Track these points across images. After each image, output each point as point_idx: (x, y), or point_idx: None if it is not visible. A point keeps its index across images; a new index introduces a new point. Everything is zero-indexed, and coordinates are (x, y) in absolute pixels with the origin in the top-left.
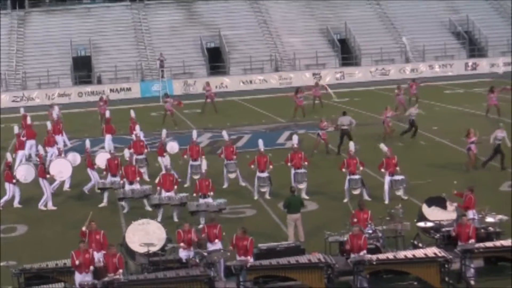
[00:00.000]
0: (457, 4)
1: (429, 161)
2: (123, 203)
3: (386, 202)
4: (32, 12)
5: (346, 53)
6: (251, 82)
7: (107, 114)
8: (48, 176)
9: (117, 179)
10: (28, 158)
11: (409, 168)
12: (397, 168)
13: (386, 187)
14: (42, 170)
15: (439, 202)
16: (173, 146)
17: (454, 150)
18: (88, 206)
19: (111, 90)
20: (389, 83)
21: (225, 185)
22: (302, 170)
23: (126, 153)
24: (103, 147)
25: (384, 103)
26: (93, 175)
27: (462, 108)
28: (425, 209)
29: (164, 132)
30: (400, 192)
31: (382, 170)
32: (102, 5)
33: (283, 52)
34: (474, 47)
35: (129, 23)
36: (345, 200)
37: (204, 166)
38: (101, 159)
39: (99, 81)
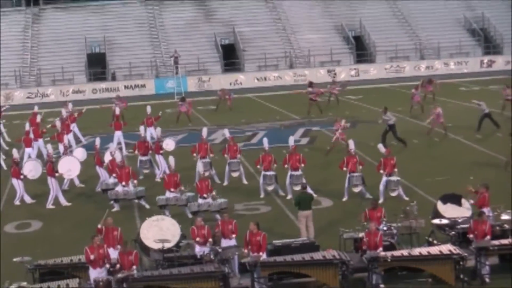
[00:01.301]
0: (472, 1)
1: (443, 158)
2: (115, 204)
3: (381, 201)
4: (46, 9)
5: (361, 50)
6: (265, 79)
7: (117, 111)
8: (57, 174)
9: (129, 188)
10: (38, 157)
11: (423, 165)
12: (395, 170)
13: (381, 187)
14: (51, 168)
15: (454, 199)
16: (168, 144)
17: (469, 147)
18: (103, 201)
19: (126, 87)
20: (403, 80)
21: (226, 183)
22: (299, 172)
23: (118, 156)
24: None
25: (398, 100)
26: (102, 173)
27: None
28: (440, 206)
29: (158, 130)
30: (394, 193)
31: (381, 171)
32: (117, 1)
33: (298, 49)
34: (489, 45)
35: (143, 19)
36: (344, 199)
37: (200, 168)
38: (110, 157)
39: (114, 78)
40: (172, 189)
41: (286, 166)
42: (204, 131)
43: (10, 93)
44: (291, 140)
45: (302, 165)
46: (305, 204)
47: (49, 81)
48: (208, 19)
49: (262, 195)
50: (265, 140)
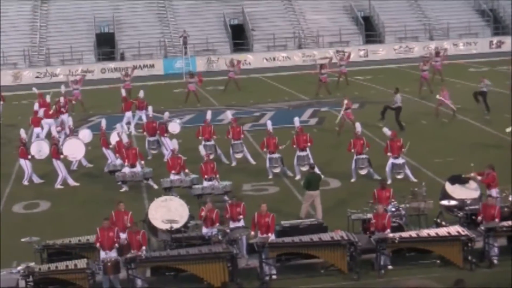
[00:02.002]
0: None
1: (452, 139)
2: (124, 186)
3: (389, 182)
4: None
5: (370, 31)
6: (274, 59)
7: (123, 92)
8: (62, 156)
9: (136, 169)
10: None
11: (432, 146)
12: (403, 150)
13: (387, 169)
14: (55, 151)
15: (462, 180)
16: (174, 127)
17: (477, 128)
18: (111, 182)
19: (134, 67)
20: (413, 61)
21: (234, 164)
22: (305, 153)
23: (124, 137)
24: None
25: (407, 81)
26: (109, 154)
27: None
28: (449, 187)
29: (166, 114)
30: (400, 176)
31: (389, 154)
32: None
33: (307, 29)
34: (498, 25)
35: None
36: (352, 180)
37: (202, 151)
38: (116, 138)
39: (122, 58)
40: (173, 171)
41: (294, 146)
42: (208, 114)
43: (19, 72)
44: (297, 121)
45: (309, 144)
46: (314, 185)
47: (58, 60)
48: None
49: (270, 176)
50: (269, 123)
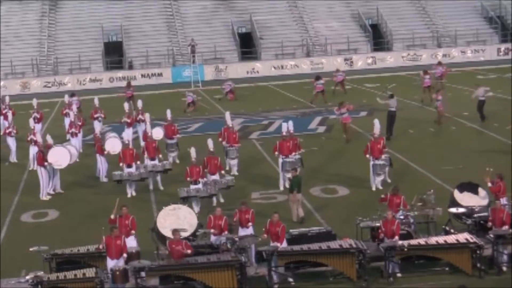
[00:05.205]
0: None
1: (460, 146)
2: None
3: (373, 189)
4: None
5: (378, 38)
6: (282, 67)
7: (139, 104)
8: (46, 163)
9: (133, 169)
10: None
11: (440, 154)
12: (385, 153)
13: (371, 173)
14: (41, 157)
15: (471, 188)
16: (157, 132)
17: (485, 135)
18: (120, 189)
19: (142, 76)
20: (420, 68)
21: (233, 172)
22: (290, 159)
23: (125, 135)
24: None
25: (415, 88)
26: (102, 161)
27: (494, 94)
28: (457, 194)
29: (168, 111)
30: (380, 178)
31: (367, 156)
32: None
33: (315, 37)
34: (506, 32)
35: (160, 8)
36: (374, 189)
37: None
38: (111, 144)
39: (131, 67)
40: (190, 179)
41: (276, 153)
42: (227, 116)
43: (27, 82)
44: (284, 127)
45: (298, 151)
46: (300, 187)
47: (66, 70)
48: (225, 8)
49: (281, 182)
50: (284, 125)
